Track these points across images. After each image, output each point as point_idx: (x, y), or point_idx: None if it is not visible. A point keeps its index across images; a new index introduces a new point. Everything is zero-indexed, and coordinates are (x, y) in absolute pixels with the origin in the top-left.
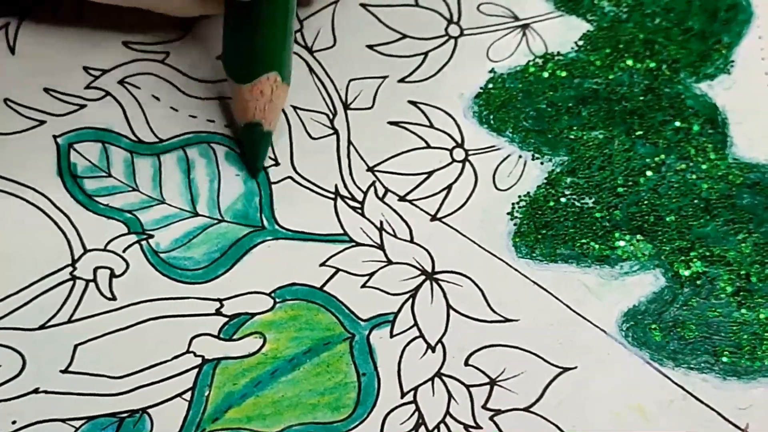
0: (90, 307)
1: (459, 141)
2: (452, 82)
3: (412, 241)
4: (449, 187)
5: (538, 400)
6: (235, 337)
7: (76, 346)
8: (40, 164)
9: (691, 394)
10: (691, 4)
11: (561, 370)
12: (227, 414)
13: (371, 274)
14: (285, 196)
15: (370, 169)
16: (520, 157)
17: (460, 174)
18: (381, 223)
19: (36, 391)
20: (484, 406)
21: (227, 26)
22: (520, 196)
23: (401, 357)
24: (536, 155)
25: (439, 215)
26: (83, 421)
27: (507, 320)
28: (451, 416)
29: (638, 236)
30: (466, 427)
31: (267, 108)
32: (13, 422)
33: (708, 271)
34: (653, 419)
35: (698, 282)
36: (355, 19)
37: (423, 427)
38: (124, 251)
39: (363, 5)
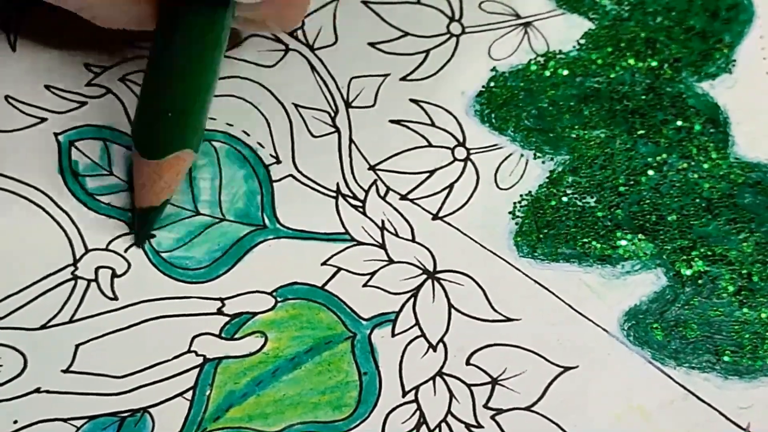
0: (91, 306)
1: (461, 140)
2: (454, 80)
3: (413, 240)
4: (451, 186)
5: (539, 400)
6: (236, 336)
7: (77, 346)
8: (41, 162)
9: (692, 394)
10: (693, 3)
11: (562, 369)
12: (228, 413)
13: (373, 273)
14: (286, 195)
15: (372, 168)
16: (521, 155)
17: (462, 173)
18: (382, 222)
19: (37, 390)
20: (485, 406)
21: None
22: (521, 195)
23: (403, 356)
24: (538, 154)
25: (440, 214)
26: (84, 421)
27: (508, 319)
28: (453, 415)
29: (640, 235)
30: (467, 426)
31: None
32: (15, 422)
33: (710, 270)
34: (654, 419)
35: (700, 281)
36: (356, 17)
37: (424, 426)
38: (125, 251)
39: (364, 2)
